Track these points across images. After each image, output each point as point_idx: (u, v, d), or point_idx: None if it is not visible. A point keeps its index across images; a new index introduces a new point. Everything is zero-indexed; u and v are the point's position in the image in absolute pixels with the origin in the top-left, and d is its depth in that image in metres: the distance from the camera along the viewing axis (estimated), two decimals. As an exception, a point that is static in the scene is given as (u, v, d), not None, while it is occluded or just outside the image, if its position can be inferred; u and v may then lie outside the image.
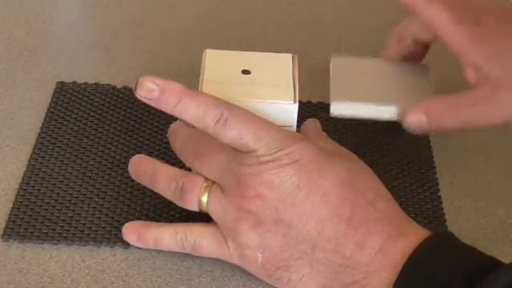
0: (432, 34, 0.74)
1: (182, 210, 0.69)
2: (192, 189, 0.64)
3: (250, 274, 0.65)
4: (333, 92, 0.75)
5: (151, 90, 0.62)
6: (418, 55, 0.78)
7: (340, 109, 0.74)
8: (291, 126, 0.66)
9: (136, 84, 0.63)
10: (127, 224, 0.67)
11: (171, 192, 0.65)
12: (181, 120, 0.65)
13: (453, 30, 0.70)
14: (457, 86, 0.70)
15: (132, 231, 0.66)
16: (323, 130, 0.72)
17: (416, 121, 0.70)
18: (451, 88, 0.70)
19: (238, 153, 0.62)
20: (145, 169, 0.67)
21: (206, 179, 0.64)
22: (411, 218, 0.70)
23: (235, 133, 0.62)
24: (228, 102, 0.63)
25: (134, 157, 0.69)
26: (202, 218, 0.65)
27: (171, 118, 0.78)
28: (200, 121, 0.62)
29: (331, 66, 0.79)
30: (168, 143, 0.76)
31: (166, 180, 0.65)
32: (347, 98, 0.74)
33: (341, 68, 0.79)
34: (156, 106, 0.63)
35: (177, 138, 0.67)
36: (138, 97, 0.63)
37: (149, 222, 0.67)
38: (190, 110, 0.62)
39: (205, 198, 0.63)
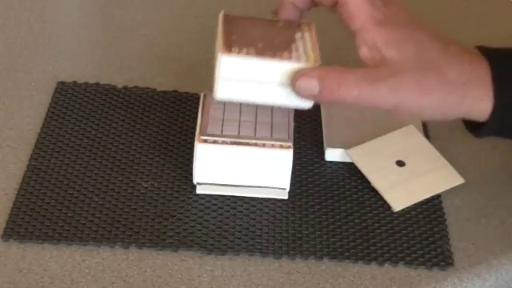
0: (309, 5, 0.72)
1: (184, 209, 0.69)
2: None
3: (250, 274, 0.65)
4: (326, 138, 0.77)
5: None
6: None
7: (334, 155, 0.76)
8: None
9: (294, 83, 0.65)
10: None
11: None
12: None
13: (362, 6, 0.67)
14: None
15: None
16: None
17: (307, 87, 0.66)
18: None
19: None
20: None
21: None
22: (412, 217, 0.71)
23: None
24: None
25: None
26: (198, 215, 0.65)
27: (171, 119, 0.78)
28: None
29: (322, 111, 0.80)
30: (168, 143, 0.76)
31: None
32: (341, 145, 0.75)
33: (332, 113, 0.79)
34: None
35: None
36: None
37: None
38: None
39: None
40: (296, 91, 0.66)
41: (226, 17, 0.70)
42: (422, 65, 0.66)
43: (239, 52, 0.65)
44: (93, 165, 0.73)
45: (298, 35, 0.69)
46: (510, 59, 0.68)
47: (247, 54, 0.65)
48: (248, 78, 0.66)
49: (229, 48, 0.66)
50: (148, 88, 0.82)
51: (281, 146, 0.69)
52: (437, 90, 0.66)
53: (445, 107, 0.66)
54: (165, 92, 0.82)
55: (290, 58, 0.66)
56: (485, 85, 0.66)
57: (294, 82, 0.66)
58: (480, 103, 0.66)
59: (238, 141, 0.69)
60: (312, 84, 0.65)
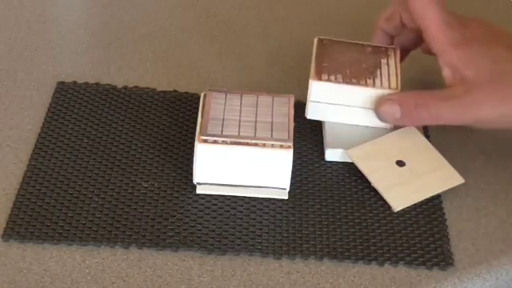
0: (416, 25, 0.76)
1: (184, 209, 0.69)
2: None
3: (250, 274, 0.65)
4: (326, 138, 0.76)
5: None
6: (404, 40, 0.81)
7: (334, 155, 0.76)
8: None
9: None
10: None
11: None
12: None
13: (440, 30, 0.73)
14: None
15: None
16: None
17: (389, 112, 0.73)
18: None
19: None
20: None
21: None
22: (412, 217, 0.71)
23: None
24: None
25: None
26: (197, 212, 0.65)
27: (171, 119, 0.79)
28: None
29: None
30: (168, 143, 0.76)
31: None
32: (341, 145, 0.75)
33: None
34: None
35: None
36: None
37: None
38: None
39: None
40: (379, 116, 0.74)
41: (319, 41, 0.78)
42: (499, 77, 0.71)
43: (328, 78, 0.74)
44: (93, 165, 0.73)
45: (383, 61, 0.76)
46: None
47: (335, 80, 0.74)
48: (335, 102, 0.75)
49: (319, 74, 0.74)
50: (148, 88, 0.82)
51: (281, 146, 0.69)
52: None
53: None
54: (165, 92, 0.82)
55: (373, 84, 0.74)
56: None
57: (377, 107, 0.74)
58: None
59: (238, 141, 0.69)
60: (394, 109, 0.73)
